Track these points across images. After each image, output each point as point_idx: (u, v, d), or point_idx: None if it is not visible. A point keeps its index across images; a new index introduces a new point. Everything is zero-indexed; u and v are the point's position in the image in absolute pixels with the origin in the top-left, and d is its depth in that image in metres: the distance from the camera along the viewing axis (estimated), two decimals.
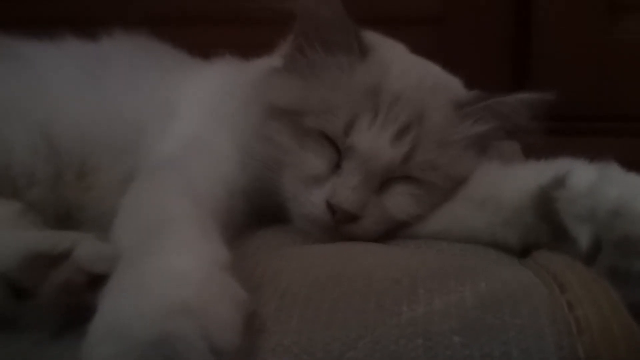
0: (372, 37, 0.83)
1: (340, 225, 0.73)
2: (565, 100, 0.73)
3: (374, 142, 0.73)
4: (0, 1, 1.37)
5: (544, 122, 0.75)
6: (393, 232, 0.76)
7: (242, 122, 0.83)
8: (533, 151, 0.79)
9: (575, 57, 1.33)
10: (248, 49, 0.95)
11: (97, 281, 0.53)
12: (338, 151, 0.75)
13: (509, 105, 0.77)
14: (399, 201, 0.75)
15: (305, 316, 0.54)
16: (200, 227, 0.59)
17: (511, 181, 0.73)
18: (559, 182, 0.67)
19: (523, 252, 0.70)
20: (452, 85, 0.84)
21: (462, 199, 0.76)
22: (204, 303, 0.47)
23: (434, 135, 0.75)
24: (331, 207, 0.72)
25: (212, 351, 0.45)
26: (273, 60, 0.86)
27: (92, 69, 0.88)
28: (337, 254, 0.66)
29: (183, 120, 0.86)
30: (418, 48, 0.88)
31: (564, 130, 0.98)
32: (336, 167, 0.75)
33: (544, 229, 0.68)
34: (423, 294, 0.55)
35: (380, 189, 0.75)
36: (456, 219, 0.75)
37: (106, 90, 0.86)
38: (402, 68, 0.80)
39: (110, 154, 0.82)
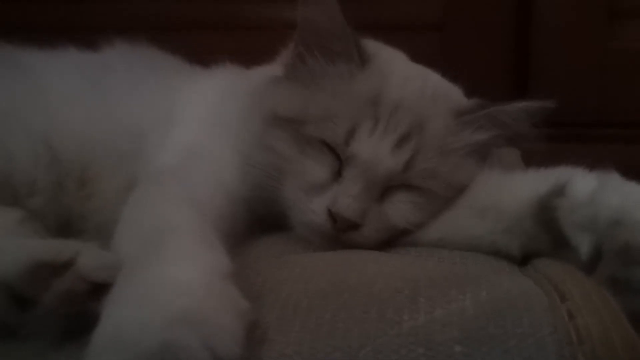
0: (372, 46, 0.83)
1: (341, 233, 0.73)
2: (565, 107, 0.73)
3: (375, 150, 0.74)
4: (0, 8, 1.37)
5: (545, 129, 0.75)
6: (394, 240, 0.76)
7: (242, 130, 0.83)
8: (533, 158, 0.79)
9: (575, 63, 1.33)
10: (247, 56, 0.96)
11: (99, 290, 0.53)
12: (339, 159, 0.76)
13: (509, 113, 0.77)
14: (400, 209, 0.75)
15: (307, 325, 0.54)
16: (202, 236, 0.59)
17: (511, 189, 0.73)
18: (560, 191, 0.67)
19: (523, 260, 0.71)
20: (452, 93, 0.84)
21: (462, 207, 0.76)
22: (206, 312, 0.48)
23: (434, 143, 0.76)
24: (332, 215, 0.72)
25: None
26: (274, 68, 0.86)
27: (92, 77, 0.88)
28: (338, 263, 0.66)
29: (183, 128, 0.86)
30: (418, 55, 0.88)
31: (564, 137, 0.99)
32: (337, 175, 0.75)
33: (545, 237, 0.68)
34: (424, 303, 0.55)
35: (381, 197, 0.75)
36: (457, 227, 0.75)
37: (107, 98, 0.87)
38: (402, 76, 0.80)
39: (110, 162, 0.83)
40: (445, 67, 0.87)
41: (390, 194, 0.76)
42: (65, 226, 0.80)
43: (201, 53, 1.02)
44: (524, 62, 1.34)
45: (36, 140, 0.80)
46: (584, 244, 0.63)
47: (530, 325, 0.52)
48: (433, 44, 1.33)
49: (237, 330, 0.48)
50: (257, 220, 0.79)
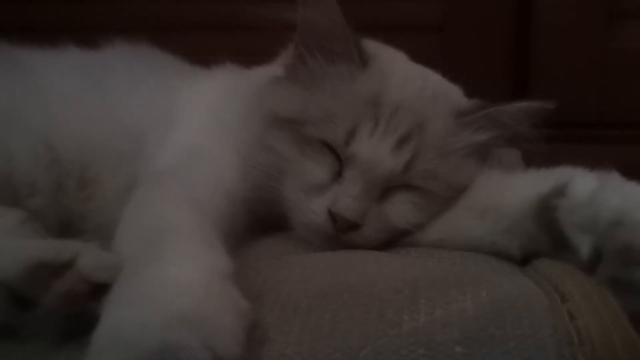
0: (373, 46, 0.83)
1: (341, 233, 0.73)
2: (565, 107, 0.73)
3: (375, 151, 0.74)
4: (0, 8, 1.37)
5: (545, 129, 0.75)
6: (394, 240, 0.76)
7: (243, 131, 0.83)
8: (534, 159, 0.79)
9: (575, 64, 1.33)
10: (247, 56, 0.96)
11: (99, 290, 0.53)
12: (339, 160, 0.75)
13: (509, 113, 0.77)
14: (400, 209, 0.75)
15: (307, 326, 0.54)
16: (202, 236, 0.59)
17: (512, 190, 0.73)
18: (560, 191, 0.67)
19: (523, 260, 0.71)
20: (453, 93, 0.84)
21: (462, 207, 0.76)
22: (206, 313, 0.48)
23: (434, 144, 0.76)
24: (332, 216, 0.72)
25: None
26: (274, 69, 0.86)
27: (92, 77, 0.88)
28: (338, 263, 0.66)
29: (184, 129, 0.86)
30: (419, 56, 0.88)
31: (564, 137, 0.98)
32: (337, 175, 0.75)
33: (545, 237, 0.68)
34: (424, 303, 0.55)
35: (381, 198, 0.75)
36: (457, 227, 0.75)
37: (107, 99, 0.87)
38: (403, 77, 0.80)
39: (111, 162, 0.83)
40: (445, 67, 0.87)
41: (390, 194, 0.76)
42: (65, 226, 0.80)
43: (201, 53, 1.03)
44: (524, 62, 1.34)
45: (36, 141, 0.80)
46: (584, 245, 0.63)
47: (531, 326, 0.52)
48: (433, 45, 1.33)
49: (237, 331, 0.48)
50: (258, 221, 0.79)
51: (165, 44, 0.99)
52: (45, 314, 0.55)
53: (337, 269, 0.64)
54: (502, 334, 0.51)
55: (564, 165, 0.72)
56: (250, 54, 0.94)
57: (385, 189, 0.75)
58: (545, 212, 0.67)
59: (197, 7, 1.39)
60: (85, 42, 0.95)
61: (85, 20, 1.37)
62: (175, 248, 0.56)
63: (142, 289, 0.50)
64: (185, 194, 0.69)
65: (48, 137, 0.81)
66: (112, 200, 0.79)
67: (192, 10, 1.39)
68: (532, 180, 0.73)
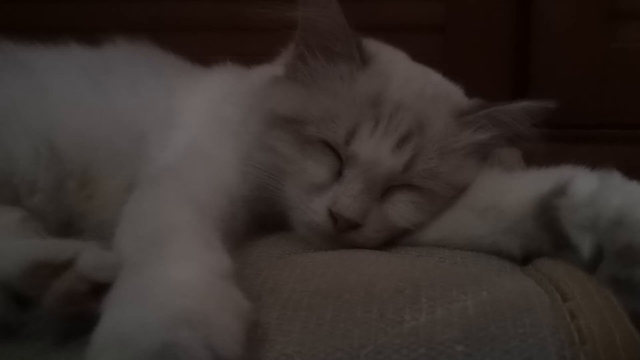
0: (374, 46, 0.83)
1: (341, 233, 0.73)
2: (565, 107, 0.73)
3: (375, 150, 0.74)
4: (1, 8, 1.37)
5: (545, 129, 0.75)
6: (394, 240, 0.76)
7: (243, 130, 0.83)
8: (534, 159, 0.79)
9: (576, 64, 1.33)
10: (247, 56, 0.96)
11: (99, 289, 0.53)
12: (340, 159, 0.76)
13: (509, 113, 0.77)
14: (400, 209, 0.75)
15: (308, 325, 0.54)
16: (202, 236, 0.59)
17: (512, 189, 0.73)
18: (561, 191, 0.67)
19: (524, 260, 0.71)
20: (453, 93, 0.84)
21: (463, 207, 0.76)
22: (207, 313, 0.47)
23: (434, 143, 0.76)
24: (333, 215, 0.72)
25: None
26: (274, 69, 0.86)
27: (93, 76, 0.88)
28: (338, 263, 0.66)
29: (184, 128, 0.86)
30: (420, 56, 0.89)
31: (565, 137, 0.98)
32: (338, 175, 0.75)
33: (546, 237, 0.68)
34: (425, 303, 0.55)
35: (381, 197, 0.75)
36: (457, 227, 0.75)
37: (108, 98, 0.87)
38: (403, 77, 0.80)
39: (111, 162, 0.83)
40: (446, 67, 0.88)
41: (390, 194, 0.76)
42: (65, 226, 0.80)
43: (201, 53, 1.02)
44: (525, 62, 1.34)
45: (37, 140, 0.80)
46: (585, 244, 0.63)
47: (532, 325, 0.52)
48: (434, 45, 1.33)
49: (238, 330, 0.48)
50: (258, 221, 0.79)
51: (165, 44, 0.99)
52: (46, 314, 0.55)
53: (338, 269, 0.64)
54: (503, 333, 0.51)
55: (564, 165, 0.72)
56: (250, 54, 0.94)
57: (386, 188, 0.75)
58: (546, 212, 0.67)
59: (197, 7, 1.39)
60: (86, 42, 0.95)
61: (86, 21, 1.37)
62: (176, 248, 0.56)
63: (142, 288, 0.50)
64: (186, 193, 0.69)
65: (49, 136, 0.81)
66: (112, 200, 0.79)
67: (192, 10, 1.39)
68: (532, 179, 0.72)
